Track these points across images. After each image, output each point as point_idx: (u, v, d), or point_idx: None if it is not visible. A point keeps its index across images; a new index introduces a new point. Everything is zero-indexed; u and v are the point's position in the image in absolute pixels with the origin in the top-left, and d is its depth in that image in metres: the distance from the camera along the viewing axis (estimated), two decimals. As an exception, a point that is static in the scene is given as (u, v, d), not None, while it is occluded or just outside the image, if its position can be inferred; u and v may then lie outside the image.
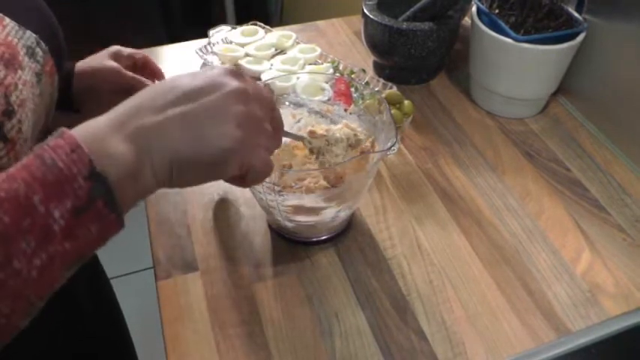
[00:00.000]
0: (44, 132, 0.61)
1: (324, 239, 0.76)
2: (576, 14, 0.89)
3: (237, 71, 0.51)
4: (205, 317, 0.68)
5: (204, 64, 1.08)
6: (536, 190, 0.83)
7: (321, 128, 0.67)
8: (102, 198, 0.42)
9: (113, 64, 0.82)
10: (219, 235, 0.77)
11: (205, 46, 1.09)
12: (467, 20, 1.13)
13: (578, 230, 0.78)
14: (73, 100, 0.79)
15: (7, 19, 0.54)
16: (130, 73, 0.82)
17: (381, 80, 0.99)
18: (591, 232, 0.77)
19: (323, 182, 0.66)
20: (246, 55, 1.04)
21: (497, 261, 0.74)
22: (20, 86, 0.51)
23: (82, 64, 0.81)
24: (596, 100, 0.92)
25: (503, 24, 0.88)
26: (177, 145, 0.46)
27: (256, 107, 0.51)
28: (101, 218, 0.43)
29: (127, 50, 0.86)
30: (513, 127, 0.94)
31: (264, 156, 0.52)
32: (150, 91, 0.48)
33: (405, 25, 0.95)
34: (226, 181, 0.53)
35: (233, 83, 0.49)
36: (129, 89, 0.76)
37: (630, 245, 0.76)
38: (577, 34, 0.87)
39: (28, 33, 0.56)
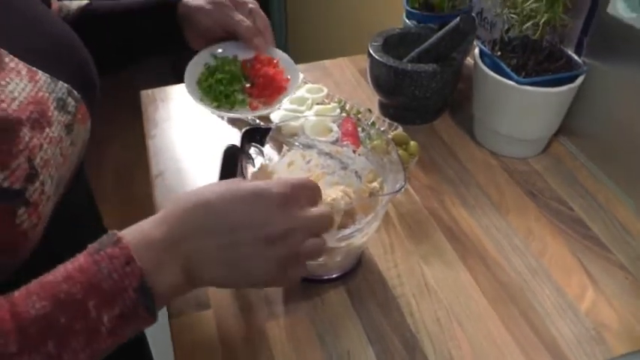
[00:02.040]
0: (77, 172, 0.63)
1: (335, 277, 0.78)
2: (575, 57, 0.92)
3: (292, 198, 0.56)
4: (218, 355, 0.69)
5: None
6: (540, 229, 0.85)
7: (327, 195, 0.70)
8: (144, 306, 0.48)
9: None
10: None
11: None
12: (469, 60, 1.17)
13: (582, 269, 0.79)
14: (179, 27, 0.85)
15: (40, 73, 0.56)
16: (239, 18, 0.84)
17: (387, 120, 1.02)
18: (594, 271, 0.79)
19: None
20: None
21: (502, 298, 0.76)
22: (45, 145, 0.53)
23: (190, 2, 0.85)
24: (597, 140, 0.95)
25: (505, 66, 0.91)
26: (216, 277, 0.54)
27: (299, 238, 0.56)
28: (141, 320, 0.49)
29: None
30: (516, 167, 0.97)
31: (293, 278, 0.59)
32: (205, 212, 0.53)
33: (409, 67, 0.98)
34: None
35: (282, 222, 0.55)
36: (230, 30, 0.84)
37: (632, 284, 0.77)
38: (577, 76, 0.90)
39: (60, 84, 0.58)
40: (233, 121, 1.07)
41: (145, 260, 0.48)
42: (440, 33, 0.98)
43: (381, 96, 1.07)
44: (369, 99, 1.13)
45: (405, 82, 0.99)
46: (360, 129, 0.95)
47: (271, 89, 0.87)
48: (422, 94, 0.99)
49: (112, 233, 0.49)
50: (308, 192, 0.59)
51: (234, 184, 0.56)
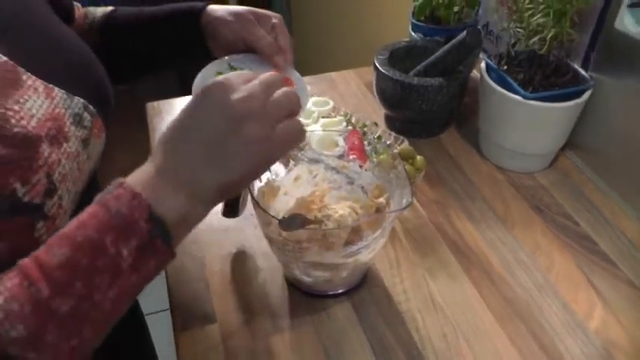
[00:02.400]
0: (90, 183, 0.64)
1: (341, 292, 0.77)
2: (582, 71, 0.92)
3: (230, 82, 0.55)
4: (224, 370, 0.69)
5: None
6: (546, 244, 0.85)
7: (335, 211, 0.70)
8: (160, 237, 0.49)
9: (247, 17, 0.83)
10: (237, 288, 0.79)
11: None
12: (475, 73, 1.17)
13: (590, 285, 0.79)
14: (202, 36, 0.85)
15: (56, 90, 0.58)
16: (260, 33, 0.82)
17: (393, 134, 1.02)
18: (603, 288, 0.78)
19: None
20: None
21: (508, 315, 0.75)
22: (63, 161, 0.55)
23: (215, 10, 0.84)
24: (604, 155, 0.95)
25: (511, 80, 0.91)
26: (217, 180, 0.52)
27: (257, 107, 0.54)
28: (159, 253, 0.50)
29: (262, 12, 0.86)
30: (522, 181, 0.96)
31: (286, 139, 0.55)
32: (180, 134, 0.53)
33: (415, 81, 0.98)
34: None
35: (234, 107, 0.53)
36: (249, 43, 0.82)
37: (641, 300, 0.77)
38: (583, 91, 0.90)
39: (76, 99, 0.60)
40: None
41: (148, 193, 0.49)
42: (446, 47, 0.98)
43: (387, 109, 1.07)
44: (375, 112, 1.13)
45: (411, 95, 0.99)
46: (366, 142, 0.95)
47: None
48: (428, 107, 0.99)
49: (115, 180, 0.51)
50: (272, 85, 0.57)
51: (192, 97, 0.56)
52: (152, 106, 1.14)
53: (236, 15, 0.83)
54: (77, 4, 0.90)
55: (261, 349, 0.71)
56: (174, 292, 0.78)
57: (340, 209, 0.71)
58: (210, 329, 0.74)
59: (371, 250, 0.71)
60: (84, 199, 0.64)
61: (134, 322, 0.95)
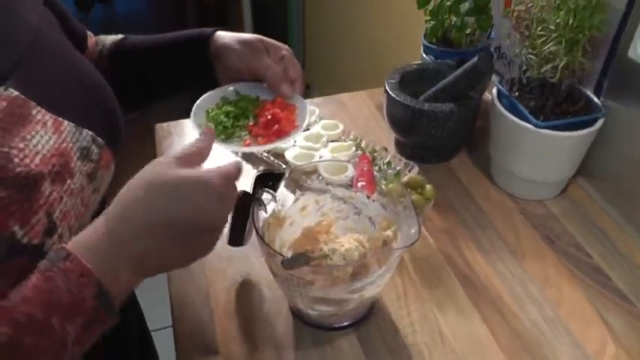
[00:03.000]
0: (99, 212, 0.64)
1: (346, 325, 0.76)
2: (595, 98, 0.91)
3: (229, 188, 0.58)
4: (226, 405, 0.69)
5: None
6: (557, 276, 0.83)
7: (341, 244, 0.69)
8: (104, 309, 0.50)
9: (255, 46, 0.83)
10: (241, 318, 0.78)
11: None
12: (487, 95, 1.16)
13: (601, 321, 0.77)
14: (210, 63, 0.85)
15: (65, 123, 0.58)
16: (267, 62, 0.83)
17: (403, 159, 1.01)
18: (615, 324, 0.77)
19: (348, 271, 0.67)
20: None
21: (518, 351, 0.74)
22: (65, 198, 0.55)
23: (224, 37, 0.84)
24: (616, 184, 0.93)
25: (523, 108, 0.89)
26: (170, 263, 0.57)
27: (221, 207, 0.57)
28: (103, 323, 0.51)
29: (271, 42, 0.86)
30: (533, 210, 0.95)
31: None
32: (145, 210, 0.53)
33: (426, 106, 0.97)
34: None
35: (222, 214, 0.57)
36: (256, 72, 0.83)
37: (654, 338, 0.75)
38: (596, 119, 0.88)
39: (85, 132, 0.60)
40: (248, 159, 1.06)
41: (98, 267, 0.49)
42: (457, 72, 0.97)
43: (398, 134, 1.06)
44: (385, 136, 1.12)
45: (422, 121, 0.98)
46: (375, 168, 0.95)
47: (273, 130, 0.83)
48: (439, 133, 0.98)
49: (60, 248, 0.50)
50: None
51: (170, 170, 0.55)
52: (161, 127, 1.14)
53: (244, 43, 0.82)
54: (89, 33, 0.90)
55: (265, 383, 0.71)
56: (178, 322, 0.77)
57: (347, 242, 0.70)
58: (213, 362, 0.73)
59: (377, 286, 0.70)
60: None
61: (140, 337, 0.95)
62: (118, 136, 0.68)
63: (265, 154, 1.03)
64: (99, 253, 0.50)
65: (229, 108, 0.86)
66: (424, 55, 1.16)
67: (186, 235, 0.54)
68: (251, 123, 0.84)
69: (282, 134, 0.82)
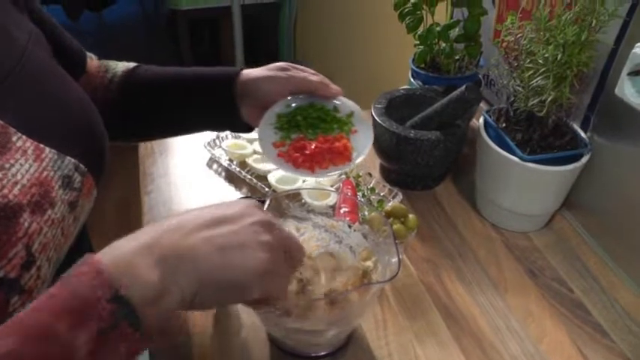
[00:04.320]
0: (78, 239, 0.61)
1: (324, 354, 0.75)
2: (581, 133, 0.91)
3: (260, 206, 0.55)
4: None
5: (211, 159, 1.10)
6: (539, 311, 0.83)
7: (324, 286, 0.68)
8: (126, 319, 0.43)
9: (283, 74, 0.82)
10: (219, 344, 0.76)
11: (214, 140, 1.11)
12: (475, 121, 1.16)
13: (581, 357, 0.76)
14: (235, 102, 0.82)
15: (47, 150, 0.55)
16: (305, 74, 0.83)
17: (387, 186, 1.00)
18: (594, 361, 0.76)
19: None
20: (254, 152, 1.06)
21: (497, 387, 0.73)
22: (45, 229, 0.52)
23: (251, 72, 0.83)
24: (601, 218, 0.93)
25: (509, 140, 0.89)
26: (204, 267, 0.47)
27: (278, 238, 0.53)
28: (127, 338, 0.44)
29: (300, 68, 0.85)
30: (517, 242, 0.94)
31: (284, 284, 0.55)
32: (177, 218, 0.50)
33: (412, 133, 0.97)
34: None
35: (258, 214, 0.52)
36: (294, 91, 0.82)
37: (634, 378, 0.74)
38: (582, 154, 0.88)
39: (67, 160, 0.57)
40: (231, 180, 1.05)
41: (118, 270, 0.44)
42: (444, 100, 0.97)
43: (383, 160, 1.05)
44: (371, 160, 1.11)
45: (407, 148, 0.97)
46: (359, 194, 0.94)
47: (315, 159, 0.79)
48: (424, 161, 0.98)
49: (85, 255, 0.46)
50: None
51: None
52: (144, 146, 1.12)
53: (277, 68, 0.82)
54: (91, 55, 0.87)
55: (239, 414, 0.69)
56: (154, 347, 0.76)
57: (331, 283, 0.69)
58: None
59: (356, 317, 0.69)
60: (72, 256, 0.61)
61: None
62: (103, 162, 0.66)
63: (248, 177, 1.02)
64: (120, 254, 0.46)
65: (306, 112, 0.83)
66: (412, 80, 1.16)
67: (215, 235, 0.49)
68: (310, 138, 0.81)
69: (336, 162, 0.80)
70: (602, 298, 0.85)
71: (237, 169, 1.05)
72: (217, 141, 1.11)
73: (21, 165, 0.52)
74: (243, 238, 0.50)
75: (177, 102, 0.85)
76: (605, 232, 0.92)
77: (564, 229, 0.97)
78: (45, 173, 0.54)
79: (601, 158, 0.89)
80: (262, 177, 1.01)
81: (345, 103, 0.85)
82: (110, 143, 0.74)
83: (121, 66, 0.87)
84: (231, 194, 1.02)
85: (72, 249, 0.60)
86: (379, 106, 1.04)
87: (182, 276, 0.47)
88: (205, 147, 1.09)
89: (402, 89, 1.11)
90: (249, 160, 1.04)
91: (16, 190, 0.51)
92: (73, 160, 0.58)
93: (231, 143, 1.07)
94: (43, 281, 0.52)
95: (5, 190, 0.50)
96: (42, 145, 0.55)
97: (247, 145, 1.07)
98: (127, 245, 0.47)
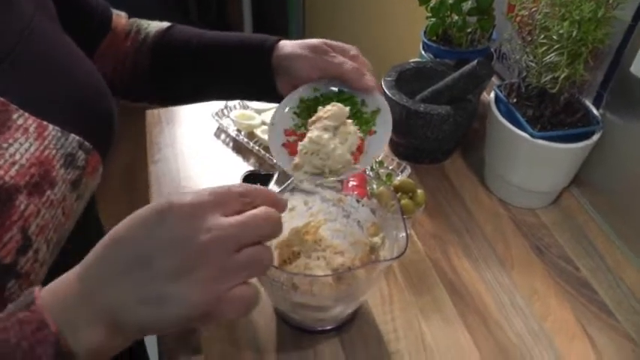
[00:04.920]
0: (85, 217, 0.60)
1: (330, 329, 0.76)
2: (594, 109, 0.89)
3: (209, 205, 0.45)
4: (204, 406, 0.68)
5: (218, 129, 1.09)
6: (544, 289, 0.83)
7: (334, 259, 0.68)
8: None
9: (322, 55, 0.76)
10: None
11: (222, 110, 1.10)
12: (485, 95, 1.14)
13: (585, 336, 0.77)
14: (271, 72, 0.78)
15: (50, 127, 0.53)
16: (341, 59, 0.74)
17: (396, 159, 1.00)
18: (598, 340, 0.76)
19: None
20: (263, 123, 1.05)
21: (500, 364, 0.74)
22: (43, 211, 0.51)
23: (287, 46, 0.77)
24: (610, 196, 0.92)
25: (520, 116, 0.88)
26: (142, 320, 0.43)
27: (225, 248, 0.44)
28: None
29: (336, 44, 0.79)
30: (524, 218, 0.94)
31: (238, 301, 0.45)
32: (115, 251, 0.44)
33: (422, 107, 0.96)
34: None
35: (197, 237, 0.43)
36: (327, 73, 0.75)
37: (639, 357, 0.75)
38: (593, 132, 0.87)
39: (71, 137, 0.55)
40: (238, 151, 1.05)
41: (61, 321, 0.41)
42: (455, 75, 0.95)
43: (392, 134, 1.04)
44: (379, 132, 1.11)
45: (417, 122, 0.96)
46: (368, 167, 0.93)
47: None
48: (433, 136, 0.97)
49: (29, 291, 0.43)
50: (234, 198, 0.47)
51: (144, 208, 0.46)
52: (152, 114, 1.12)
53: (310, 47, 0.76)
54: (118, 12, 0.84)
55: (245, 386, 0.70)
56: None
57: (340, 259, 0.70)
58: (194, 360, 0.72)
59: (362, 294, 0.69)
60: (78, 234, 0.60)
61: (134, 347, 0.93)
62: (110, 138, 0.64)
63: (256, 148, 1.02)
64: (65, 303, 0.42)
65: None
66: (423, 53, 1.14)
67: (157, 275, 0.43)
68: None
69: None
70: (608, 277, 0.85)
71: (245, 139, 1.04)
72: (225, 111, 1.10)
73: (20, 144, 0.50)
74: (174, 279, 0.42)
75: (212, 68, 0.81)
76: (613, 210, 0.92)
77: (572, 206, 0.97)
78: (46, 152, 0.52)
79: (612, 136, 0.88)
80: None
81: (375, 98, 0.76)
82: (122, 105, 0.72)
83: (154, 26, 0.84)
84: (238, 165, 1.02)
85: (79, 225, 0.60)
86: (389, 79, 1.03)
87: (124, 327, 0.44)
88: (213, 117, 1.08)
89: (413, 62, 1.09)
90: (258, 131, 1.03)
91: (12, 172, 0.49)
92: (77, 137, 0.56)
93: (239, 113, 1.06)
94: (42, 264, 0.51)
95: (1, 172, 0.48)
96: (45, 123, 0.53)
97: (256, 115, 1.07)
98: (70, 292, 0.43)
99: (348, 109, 0.68)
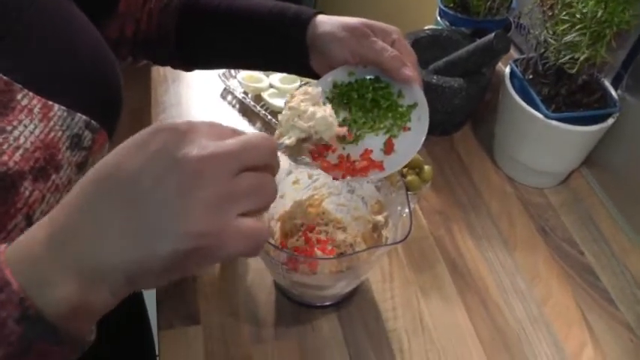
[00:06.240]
0: None
1: (329, 304, 0.76)
2: (612, 90, 0.87)
3: (194, 129, 0.38)
4: (201, 375, 0.69)
5: (225, 90, 1.07)
6: (546, 271, 0.82)
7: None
8: (41, 338, 0.37)
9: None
10: (224, 288, 0.77)
11: (229, 70, 1.08)
12: (501, 66, 1.11)
13: (584, 323, 0.77)
14: (305, 49, 0.72)
15: (56, 107, 0.51)
16: (381, 45, 0.67)
17: (404, 131, 0.97)
18: (597, 327, 0.76)
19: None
20: (270, 86, 1.03)
21: (497, 347, 0.74)
22: (48, 195, 0.49)
23: (325, 24, 0.71)
24: (622, 180, 0.90)
25: (535, 94, 0.86)
26: (127, 261, 0.36)
27: (219, 173, 0.37)
28: (47, 354, 0.37)
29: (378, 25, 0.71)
30: (532, 198, 0.92)
31: (242, 235, 0.38)
32: (88, 185, 0.38)
33: (434, 79, 0.93)
34: None
35: (192, 152, 0.37)
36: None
37: (637, 347, 0.74)
38: (609, 114, 0.85)
39: (78, 117, 0.53)
40: (244, 114, 1.03)
41: (28, 279, 0.36)
42: (471, 47, 0.92)
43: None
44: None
45: (428, 94, 0.93)
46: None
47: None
48: (444, 108, 0.95)
49: None
50: (229, 131, 0.40)
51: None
52: (157, 71, 1.09)
53: (350, 29, 0.69)
54: None
55: (240, 357, 0.70)
56: (160, 289, 0.76)
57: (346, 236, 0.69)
58: (193, 330, 0.72)
59: (363, 272, 0.69)
60: None
61: (135, 313, 0.93)
62: (118, 114, 0.61)
63: (263, 112, 1.00)
64: (32, 255, 0.37)
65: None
66: (439, 19, 1.10)
67: (144, 193, 0.36)
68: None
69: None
70: (613, 263, 0.84)
71: (252, 102, 1.02)
72: (233, 72, 1.08)
73: (25, 126, 0.48)
74: (160, 209, 0.36)
75: (242, 37, 0.76)
76: (623, 194, 0.90)
77: (581, 187, 0.95)
78: (52, 134, 0.50)
79: (629, 119, 0.86)
80: (277, 113, 0.98)
81: (413, 91, 0.68)
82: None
83: None
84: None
85: None
86: (402, 46, 1.00)
87: (105, 276, 0.37)
88: (220, 77, 1.06)
89: (428, 29, 1.06)
90: (265, 95, 1.01)
91: (17, 156, 0.46)
92: (84, 117, 0.53)
93: (247, 75, 1.04)
94: None
95: (5, 157, 0.45)
96: (50, 103, 0.50)
97: (264, 78, 1.04)
98: (37, 245, 0.38)
99: (320, 89, 0.63)
